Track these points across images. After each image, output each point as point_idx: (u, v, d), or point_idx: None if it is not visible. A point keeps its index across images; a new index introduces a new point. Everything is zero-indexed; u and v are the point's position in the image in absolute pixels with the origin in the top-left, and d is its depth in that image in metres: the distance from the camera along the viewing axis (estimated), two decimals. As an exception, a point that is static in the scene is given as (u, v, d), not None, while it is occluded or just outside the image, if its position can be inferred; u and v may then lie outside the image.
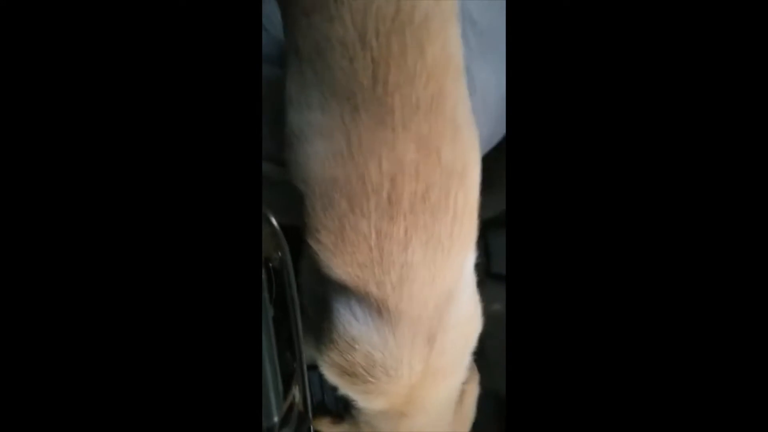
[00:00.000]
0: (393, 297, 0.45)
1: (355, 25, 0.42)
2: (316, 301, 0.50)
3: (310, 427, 0.46)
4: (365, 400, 0.49)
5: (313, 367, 0.79)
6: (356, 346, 0.46)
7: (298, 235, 0.49)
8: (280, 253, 0.49)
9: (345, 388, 0.49)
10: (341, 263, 0.45)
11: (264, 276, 0.47)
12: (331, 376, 0.49)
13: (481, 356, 0.66)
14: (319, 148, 0.44)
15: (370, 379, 0.46)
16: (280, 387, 0.44)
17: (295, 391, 0.46)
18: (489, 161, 0.68)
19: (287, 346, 0.47)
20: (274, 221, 0.49)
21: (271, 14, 0.58)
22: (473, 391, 0.65)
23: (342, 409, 0.53)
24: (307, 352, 0.52)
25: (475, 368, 0.66)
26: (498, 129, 0.66)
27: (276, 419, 0.42)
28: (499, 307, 0.89)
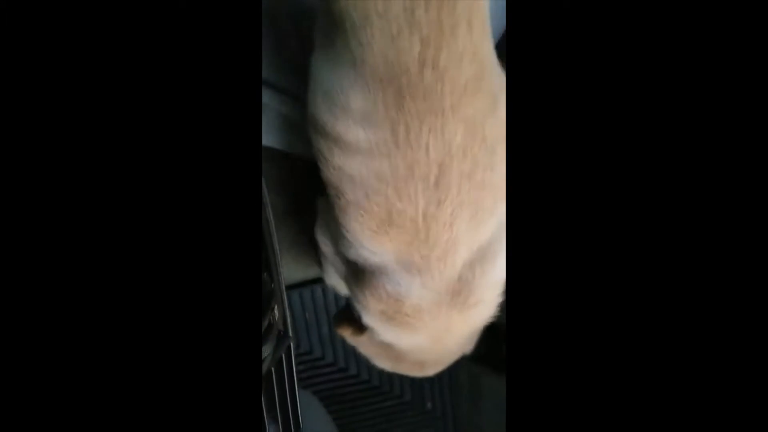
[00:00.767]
0: (437, 266, 0.46)
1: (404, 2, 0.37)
2: (350, 257, 0.50)
3: (290, 345, 0.47)
4: (398, 335, 0.52)
5: (292, 287, 0.81)
6: (404, 301, 0.48)
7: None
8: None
9: (381, 326, 0.52)
10: (386, 241, 0.45)
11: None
12: (371, 320, 0.51)
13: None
14: (360, 137, 0.42)
15: (411, 321, 0.50)
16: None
17: (275, 311, 0.46)
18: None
19: (264, 267, 0.46)
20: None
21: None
22: None
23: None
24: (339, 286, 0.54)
25: None
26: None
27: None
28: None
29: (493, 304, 0.53)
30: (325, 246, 0.55)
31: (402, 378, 0.90)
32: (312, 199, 0.56)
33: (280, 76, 0.59)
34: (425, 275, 0.47)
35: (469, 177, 0.43)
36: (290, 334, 0.47)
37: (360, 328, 0.54)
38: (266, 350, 0.45)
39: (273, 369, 0.45)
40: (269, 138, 0.62)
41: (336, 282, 0.61)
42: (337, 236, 0.49)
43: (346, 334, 0.56)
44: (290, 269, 0.73)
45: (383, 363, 0.60)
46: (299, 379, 0.51)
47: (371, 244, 0.46)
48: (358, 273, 0.50)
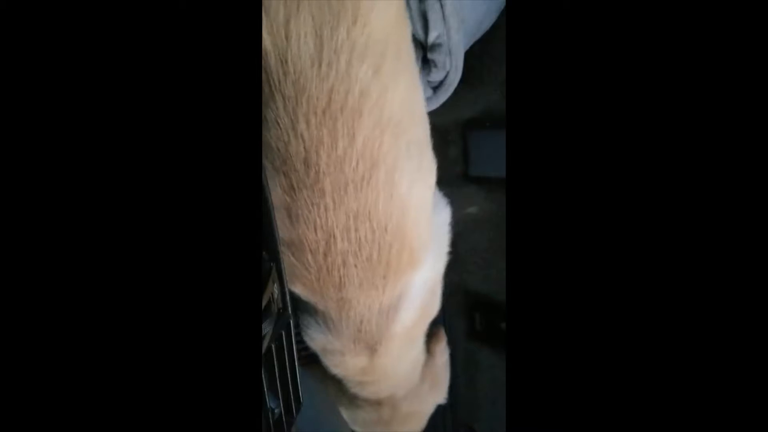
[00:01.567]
0: (335, 315, 0.56)
1: (287, 112, 0.44)
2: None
3: (289, 323, 0.47)
4: (333, 369, 0.65)
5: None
6: (315, 340, 0.61)
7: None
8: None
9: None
10: (299, 287, 0.56)
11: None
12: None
13: (454, 254, 0.69)
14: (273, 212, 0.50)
15: (329, 359, 0.63)
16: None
17: (274, 289, 0.47)
18: (471, 58, 0.64)
19: (264, 245, 0.46)
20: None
21: None
22: (442, 354, 0.79)
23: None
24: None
25: (442, 332, 0.76)
26: (486, 17, 0.61)
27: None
28: (473, 210, 0.91)
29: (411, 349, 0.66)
30: None
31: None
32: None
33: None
34: (329, 321, 0.58)
35: (355, 254, 0.51)
36: (290, 311, 0.48)
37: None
38: (266, 327, 0.45)
39: (273, 346, 0.45)
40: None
41: None
42: None
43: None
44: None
45: None
46: (300, 358, 0.52)
47: (291, 285, 0.56)
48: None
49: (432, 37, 0.55)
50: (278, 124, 0.45)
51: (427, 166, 0.55)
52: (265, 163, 0.48)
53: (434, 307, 0.66)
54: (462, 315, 0.91)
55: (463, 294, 0.90)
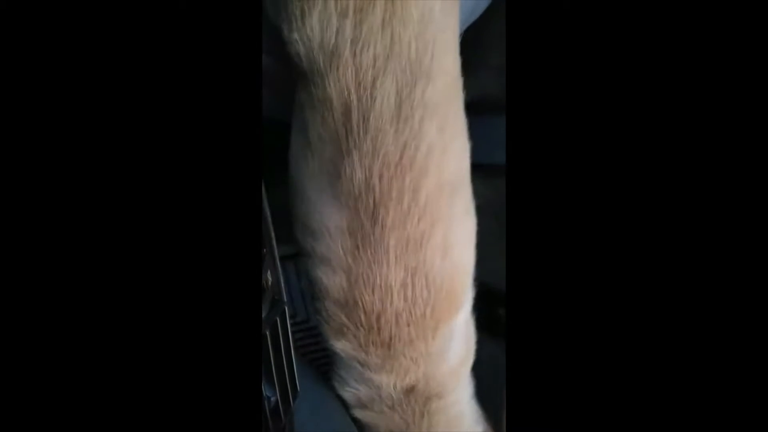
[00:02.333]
0: (384, 370, 0.56)
1: (362, 166, 0.45)
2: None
3: (284, 310, 0.47)
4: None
5: (287, 257, 0.80)
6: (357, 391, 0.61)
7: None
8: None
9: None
10: (344, 344, 0.55)
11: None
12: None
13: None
14: (321, 274, 0.52)
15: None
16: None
17: (268, 276, 0.46)
18: (466, 44, 0.63)
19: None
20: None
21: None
22: None
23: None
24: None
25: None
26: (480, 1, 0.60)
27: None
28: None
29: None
30: None
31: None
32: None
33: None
34: (372, 374, 0.58)
35: (409, 314, 0.52)
36: (284, 299, 0.47)
37: None
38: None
39: (268, 333, 0.45)
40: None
41: None
42: None
43: None
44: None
45: None
46: (296, 347, 0.52)
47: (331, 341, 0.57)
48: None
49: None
50: (352, 180, 0.46)
51: (472, 228, 0.56)
52: (328, 224, 0.49)
53: (472, 339, 0.67)
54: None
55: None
